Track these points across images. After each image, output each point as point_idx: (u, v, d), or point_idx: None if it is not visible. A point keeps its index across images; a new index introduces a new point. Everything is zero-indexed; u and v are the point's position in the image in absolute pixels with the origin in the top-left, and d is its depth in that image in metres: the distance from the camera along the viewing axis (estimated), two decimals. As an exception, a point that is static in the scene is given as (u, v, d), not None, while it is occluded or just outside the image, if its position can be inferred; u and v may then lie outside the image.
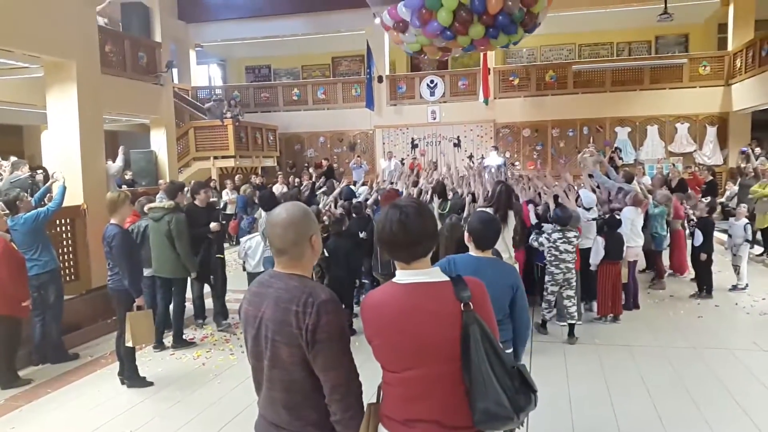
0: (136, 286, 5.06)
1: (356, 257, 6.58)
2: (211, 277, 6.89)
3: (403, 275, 1.95)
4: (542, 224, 6.47)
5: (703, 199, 8.79)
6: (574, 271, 6.16)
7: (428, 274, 1.95)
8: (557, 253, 6.06)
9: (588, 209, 6.79)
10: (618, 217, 6.91)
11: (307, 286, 1.93)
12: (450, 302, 1.88)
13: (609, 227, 6.70)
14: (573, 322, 6.10)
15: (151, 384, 5.27)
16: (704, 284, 7.64)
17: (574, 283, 6.20)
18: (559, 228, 6.07)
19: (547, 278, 6.20)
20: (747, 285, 7.88)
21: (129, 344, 5.00)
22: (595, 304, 6.99)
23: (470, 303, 1.87)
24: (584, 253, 6.64)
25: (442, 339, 1.87)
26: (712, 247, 7.72)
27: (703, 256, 7.50)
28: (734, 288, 7.86)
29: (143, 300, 5.13)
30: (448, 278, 1.95)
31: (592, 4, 15.24)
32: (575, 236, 6.10)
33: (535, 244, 6.23)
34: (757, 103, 14.18)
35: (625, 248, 6.77)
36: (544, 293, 6.26)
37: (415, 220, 1.91)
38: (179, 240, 6.06)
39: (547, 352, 5.74)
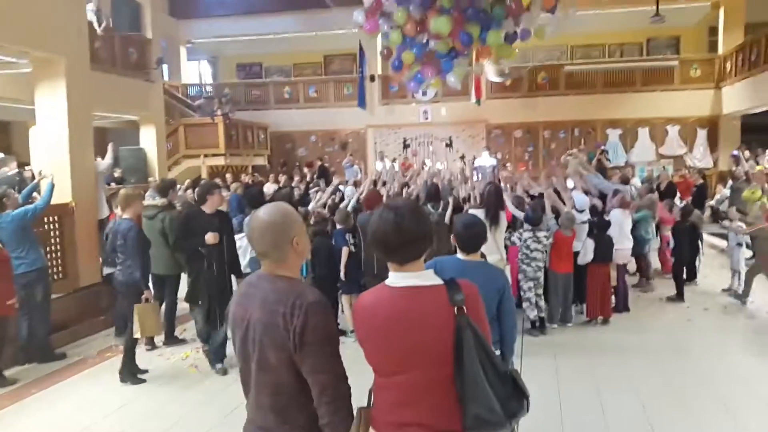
0: (146, 279, 5.28)
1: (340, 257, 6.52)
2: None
3: (396, 278, 1.93)
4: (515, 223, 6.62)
5: (677, 204, 8.80)
6: (543, 270, 6.36)
7: (421, 276, 1.93)
8: (528, 251, 6.28)
9: (580, 211, 6.81)
10: (606, 219, 6.95)
11: (295, 288, 1.91)
12: (443, 306, 1.86)
13: (598, 229, 6.73)
14: (542, 315, 6.37)
15: (143, 381, 5.29)
16: (677, 288, 7.68)
17: (542, 282, 6.39)
18: (530, 227, 6.26)
19: (519, 276, 6.36)
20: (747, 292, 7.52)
21: (136, 335, 5.12)
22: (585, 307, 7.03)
23: (464, 307, 1.86)
24: (577, 256, 6.66)
25: (435, 343, 1.85)
26: (686, 252, 7.78)
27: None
28: (735, 294, 7.56)
29: (151, 293, 5.26)
30: (441, 281, 1.93)
31: (585, 5, 15.27)
32: (545, 236, 6.29)
33: (508, 243, 6.37)
34: (746, 107, 14.28)
35: (614, 250, 6.79)
36: (521, 292, 6.32)
37: (410, 221, 1.89)
38: (173, 236, 6.03)
39: (537, 354, 5.74)
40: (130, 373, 5.30)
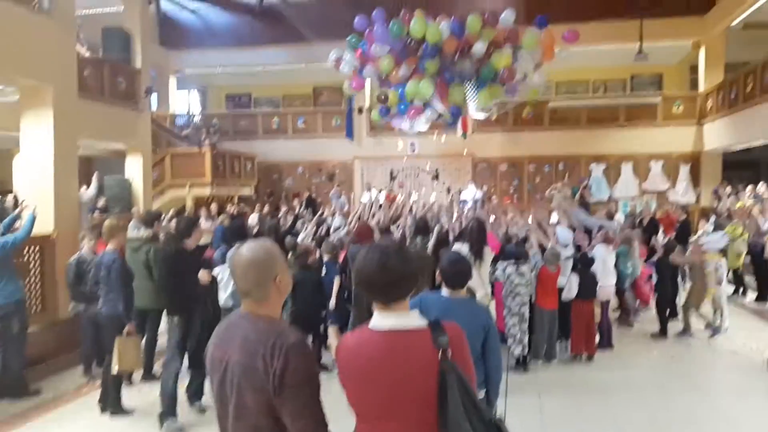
0: (130, 312, 5.16)
1: (322, 292, 6.49)
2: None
3: (381, 318, 1.92)
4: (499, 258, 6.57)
5: (660, 240, 8.89)
6: (528, 306, 6.32)
7: (406, 318, 1.92)
8: (511, 286, 6.24)
9: (564, 246, 6.84)
10: (590, 255, 6.97)
11: (275, 328, 1.87)
12: (427, 349, 1.85)
13: (582, 265, 6.74)
14: (526, 352, 6.28)
15: (129, 413, 5.28)
16: (661, 324, 7.70)
17: (527, 316, 6.32)
18: (513, 262, 6.26)
19: (504, 312, 6.30)
20: (727, 328, 7.64)
21: (114, 369, 5.00)
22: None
23: (448, 350, 1.84)
24: (562, 292, 6.66)
25: (419, 388, 1.83)
26: (669, 288, 7.83)
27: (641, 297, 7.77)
28: (713, 330, 7.54)
29: (134, 326, 5.15)
30: (426, 323, 1.91)
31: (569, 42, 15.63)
32: (529, 270, 6.28)
33: (492, 277, 6.32)
34: (727, 144, 14.55)
35: (597, 287, 6.80)
36: (506, 328, 6.25)
37: (396, 261, 1.89)
38: (158, 270, 5.93)
39: (522, 392, 5.68)
40: (115, 403, 5.23)
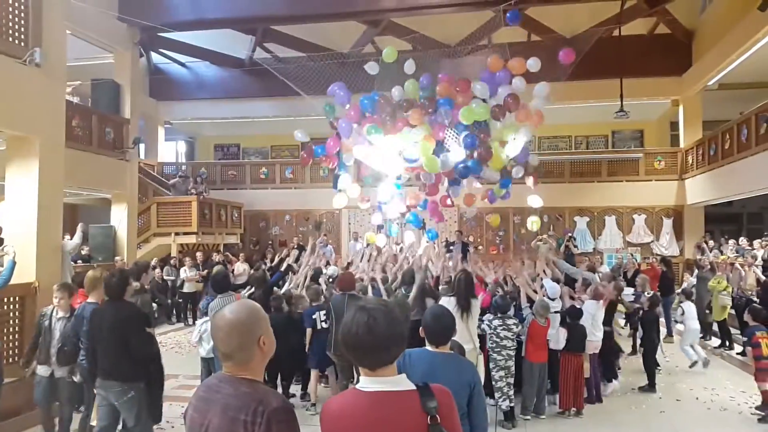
0: None
1: (297, 336, 6.65)
2: None
3: (367, 382, 1.88)
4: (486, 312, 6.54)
5: (645, 294, 8.95)
6: (513, 359, 6.24)
7: (393, 382, 1.88)
8: (498, 340, 6.17)
9: (552, 299, 6.83)
10: (579, 306, 6.97)
11: (257, 393, 1.82)
12: (416, 414, 1.81)
13: (570, 317, 6.72)
14: (512, 405, 6.18)
15: None
16: (648, 378, 7.67)
17: (513, 370, 6.25)
18: (499, 315, 6.21)
19: (491, 365, 6.19)
20: (696, 362, 8.48)
21: (93, 423, 4.89)
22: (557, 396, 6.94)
23: (437, 416, 1.80)
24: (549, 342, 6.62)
25: None
26: (655, 342, 7.88)
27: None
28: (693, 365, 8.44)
29: None
30: (414, 387, 1.88)
31: (552, 99, 16.02)
32: (515, 323, 6.23)
33: (478, 330, 6.21)
34: (708, 198, 14.83)
35: (586, 341, 6.77)
36: (492, 382, 6.12)
37: (383, 323, 1.86)
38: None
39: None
40: None
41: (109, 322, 4.41)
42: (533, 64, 8.43)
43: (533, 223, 9.72)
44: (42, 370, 5.32)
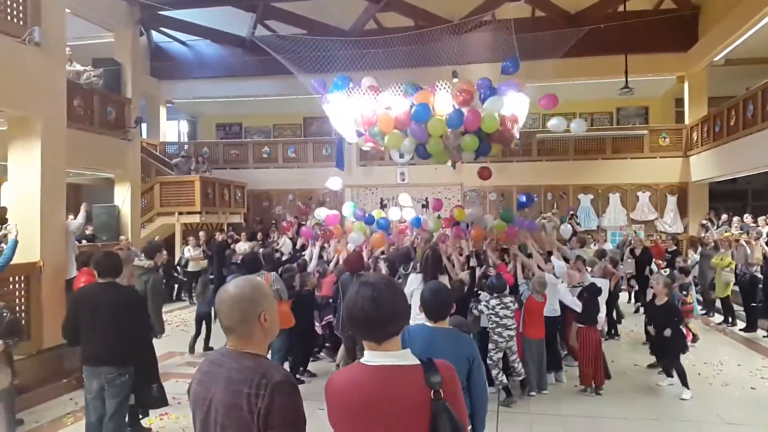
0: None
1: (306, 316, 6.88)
2: None
3: (372, 356, 1.89)
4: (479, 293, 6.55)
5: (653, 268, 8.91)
6: (515, 338, 6.23)
7: (398, 356, 1.90)
8: (498, 319, 6.12)
9: (558, 278, 6.87)
10: (598, 285, 6.95)
11: (261, 366, 1.84)
12: (419, 388, 1.82)
13: (589, 294, 6.71)
14: (520, 378, 6.27)
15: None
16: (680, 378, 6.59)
17: (515, 349, 6.26)
18: (496, 294, 6.17)
19: (490, 346, 6.17)
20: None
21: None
22: (563, 374, 7.01)
23: (440, 390, 1.82)
24: (548, 321, 6.65)
25: (410, 428, 1.80)
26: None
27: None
28: None
29: None
30: (418, 361, 1.89)
31: (556, 76, 15.82)
32: (512, 301, 6.21)
33: (476, 312, 6.25)
34: (712, 175, 14.75)
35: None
36: (489, 362, 6.08)
37: (387, 297, 1.88)
38: (153, 301, 5.88)
39: (513, 423, 5.63)
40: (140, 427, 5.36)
41: (106, 305, 4.30)
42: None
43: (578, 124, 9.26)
44: None
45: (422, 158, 8.33)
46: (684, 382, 6.43)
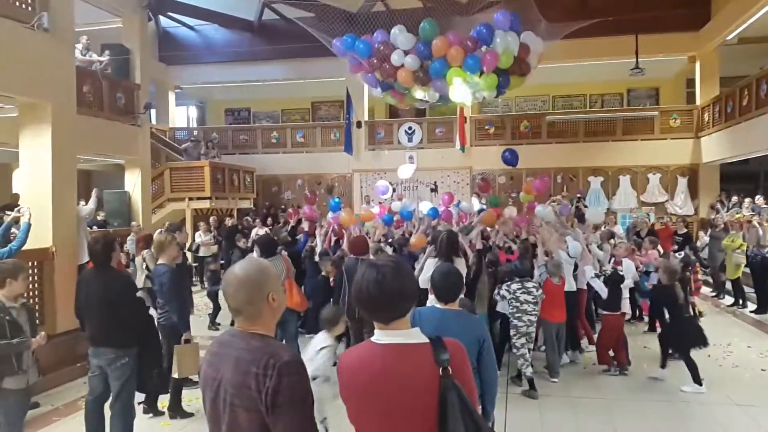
0: (185, 321, 5.27)
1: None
2: None
3: (381, 335, 1.91)
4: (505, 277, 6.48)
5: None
6: (534, 325, 6.11)
7: (407, 335, 1.91)
8: (518, 304, 6.03)
9: (573, 258, 6.88)
10: (621, 273, 6.95)
11: (268, 347, 1.86)
12: (428, 366, 1.84)
13: (613, 282, 6.69)
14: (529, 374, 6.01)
15: (191, 415, 5.50)
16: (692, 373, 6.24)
17: (534, 336, 6.22)
18: (517, 279, 6.10)
19: (512, 332, 6.13)
20: None
21: (175, 375, 5.16)
22: (579, 355, 7.06)
23: (449, 368, 1.83)
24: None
25: (419, 405, 1.82)
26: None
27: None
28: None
29: (191, 334, 5.25)
30: (427, 339, 1.91)
31: (566, 57, 15.68)
32: (534, 286, 6.09)
33: (498, 297, 6.23)
34: (724, 156, 14.60)
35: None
36: (513, 349, 6.12)
37: (393, 280, 1.88)
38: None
39: (522, 407, 5.66)
40: (176, 406, 5.49)
41: (99, 292, 4.36)
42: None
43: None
44: None
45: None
46: (696, 379, 6.05)
